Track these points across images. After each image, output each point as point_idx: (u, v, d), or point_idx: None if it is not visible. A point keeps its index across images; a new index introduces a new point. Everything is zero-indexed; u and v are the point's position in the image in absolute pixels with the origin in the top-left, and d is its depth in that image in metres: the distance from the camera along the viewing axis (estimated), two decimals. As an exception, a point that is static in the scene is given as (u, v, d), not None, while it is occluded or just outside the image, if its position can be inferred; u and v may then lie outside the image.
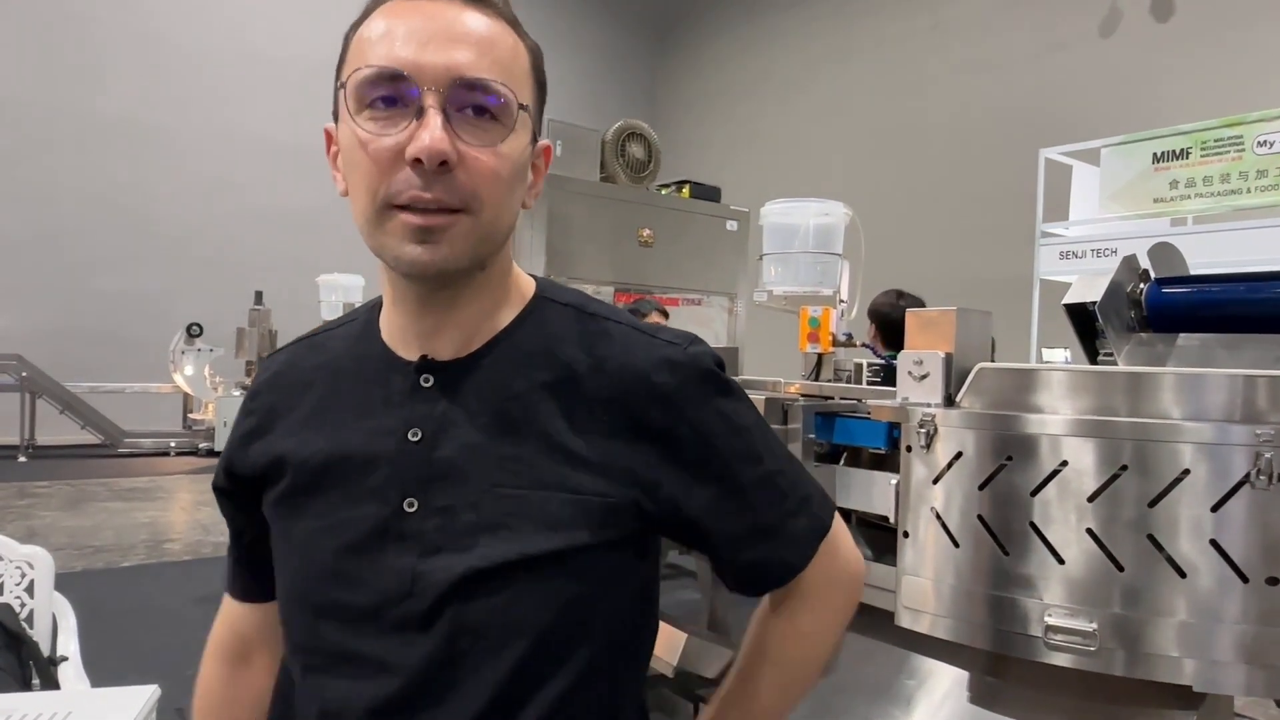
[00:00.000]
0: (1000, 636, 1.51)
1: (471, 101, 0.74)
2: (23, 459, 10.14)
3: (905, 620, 1.64)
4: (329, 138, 0.87)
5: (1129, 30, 10.22)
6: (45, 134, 11.94)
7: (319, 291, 5.02)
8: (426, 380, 0.82)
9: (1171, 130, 7.03)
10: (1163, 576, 1.39)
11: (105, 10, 12.41)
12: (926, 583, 1.61)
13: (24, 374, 10.31)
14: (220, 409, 11.04)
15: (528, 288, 0.90)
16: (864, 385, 2.14)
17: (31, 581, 2.42)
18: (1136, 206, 7.12)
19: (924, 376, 1.68)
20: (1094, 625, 1.41)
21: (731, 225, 5.43)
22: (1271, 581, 1.35)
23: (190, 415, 11.76)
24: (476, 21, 0.76)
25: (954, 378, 1.66)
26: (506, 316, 0.86)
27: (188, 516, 7.56)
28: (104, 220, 12.31)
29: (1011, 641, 1.49)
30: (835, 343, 2.24)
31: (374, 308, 0.91)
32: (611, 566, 0.82)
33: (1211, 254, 6.91)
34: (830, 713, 1.73)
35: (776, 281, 2.30)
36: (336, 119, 0.81)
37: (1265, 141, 6.42)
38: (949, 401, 1.65)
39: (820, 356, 2.24)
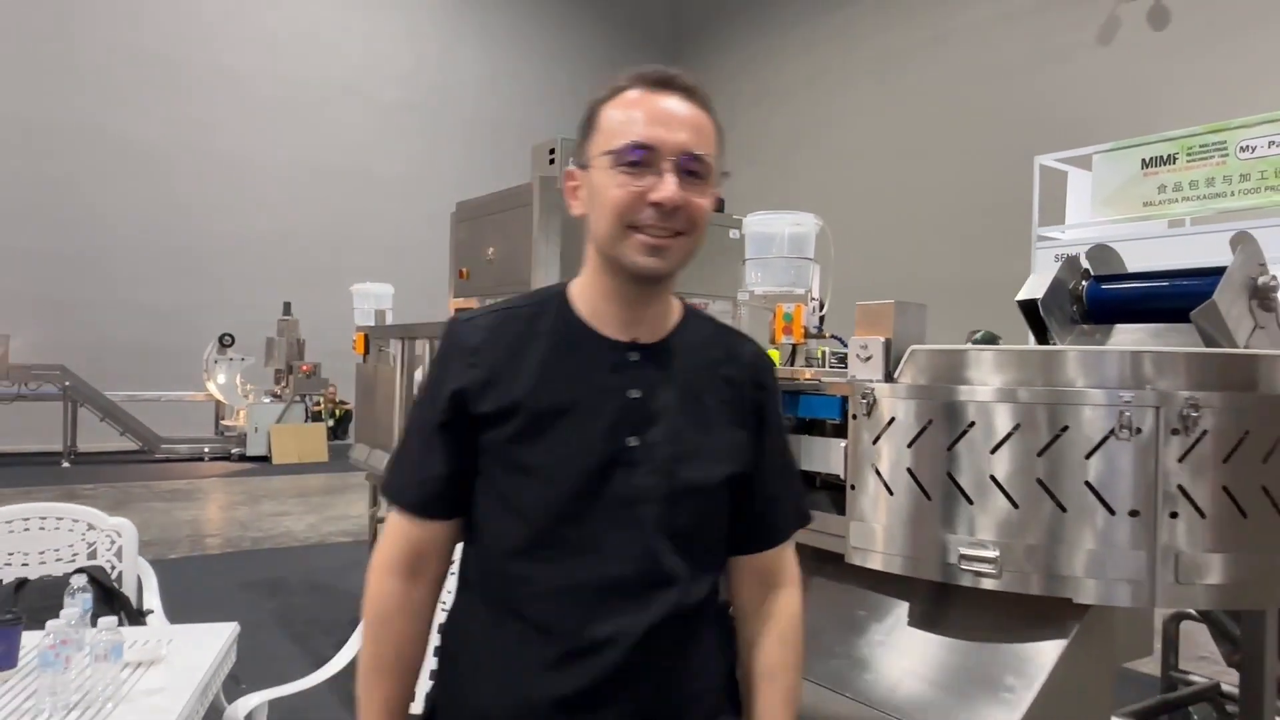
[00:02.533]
0: (927, 566, 1.86)
1: (691, 167, 1.11)
2: (66, 464, 10.63)
3: (855, 558, 1.99)
4: (571, 177, 1.19)
5: (1126, 39, 10.50)
6: (87, 160, 12.50)
7: (353, 300, 5.39)
8: (634, 355, 1.16)
9: (1159, 137, 7.33)
10: (1048, 512, 1.73)
11: (143, 41, 12.97)
12: (870, 526, 1.96)
13: (67, 384, 10.82)
14: (252, 415, 11.50)
15: (676, 301, 1.25)
16: (825, 368, 2.49)
17: (120, 548, 2.81)
18: (1127, 210, 7.41)
19: (868, 358, 2.04)
20: (996, 553, 1.76)
21: (734, 234, 5.77)
22: (1133, 514, 1.69)
23: (223, 421, 12.23)
24: (691, 111, 1.14)
25: (893, 358, 2.01)
26: (674, 319, 1.22)
27: (224, 515, 7.99)
28: (141, 239, 12.86)
29: (936, 570, 1.84)
30: (807, 334, 2.60)
31: (554, 296, 1.21)
32: (729, 493, 1.21)
33: (1206, 254, 7.19)
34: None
35: (757, 283, 2.66)
36: (581, 165, 1.16)
37: (1247, 146, 6.69)
38: (888, 378, 2.00)
39: (794, 346, 2.60)
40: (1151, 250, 6.91)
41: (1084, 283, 2.89)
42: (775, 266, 2.61)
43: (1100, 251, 2.94)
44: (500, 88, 16.24)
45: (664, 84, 1.14)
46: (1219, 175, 6.89)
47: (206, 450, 11.70)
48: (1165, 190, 7.21)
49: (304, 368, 11.93)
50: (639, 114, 1.11)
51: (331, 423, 12.60)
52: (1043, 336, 2.85)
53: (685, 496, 1.15)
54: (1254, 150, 6.67)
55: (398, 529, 1.18)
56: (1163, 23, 10.26)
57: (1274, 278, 2.47)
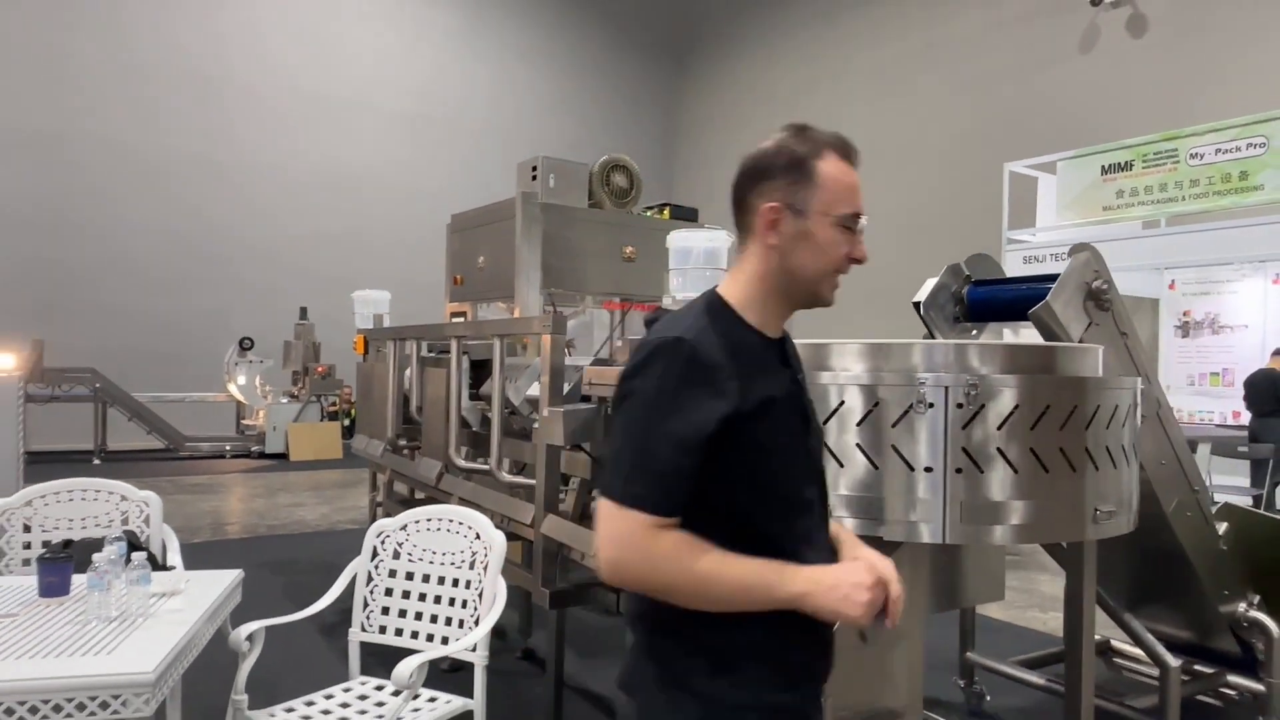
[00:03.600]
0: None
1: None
2: (97, 461, 11.27)
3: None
4: (776, 212, 1.35)
5: (1105, 47, 10.88)
6: (113, 173, 13.19)
7: (354, 305, 5.92)
8: (779, 351, 1.39)
9: (1116, 145, 7.74)
10: (865, 468, 2.21)
11: (166, 59, 13.64)
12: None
13: (97, 385, 11.47)
14: (270, 415, 12.11)
15: None
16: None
17: (147, 516, 3.35)
18: (1088, 214, 7.82)
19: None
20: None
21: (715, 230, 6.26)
22: (928, 469, 2.17)
23: (243, 421, 12.84)
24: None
25: (763, 351, 2.49)
26: None
27: (243, 505, 8.57)
28: (165, 247, 13.53)
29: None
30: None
31: (724, 310, 1.36)
32: None
33: (1181, 253, 7.57)
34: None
35: (677, 289, 3.15)
36: (794, 210, 1.34)
37: (1196, 154, 7.09)
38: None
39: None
40: (1125, 251, 7.30)
41: (966, 286, 3.37)
42: (692, 275, 3.10)
43: (979, 259, 3.41)
44: (510, 99, 16.81)
45: (854, 155, 1.39)
46: (1170, 181, 7.30)
47: (228, 448, 12.31)
48: (1123, 195, 7.62)
49: (319, 369, 12.53)
50: (853, 184, 1.37)
51: (346, 421, 13.18)
52: (931, 335, 3.32)
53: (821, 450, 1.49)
54: (1203, 157, 7.06)
55: (641, 530, 1.22)
56: (1140, 30, 10.63)
57: (1106, 283, 2.94)
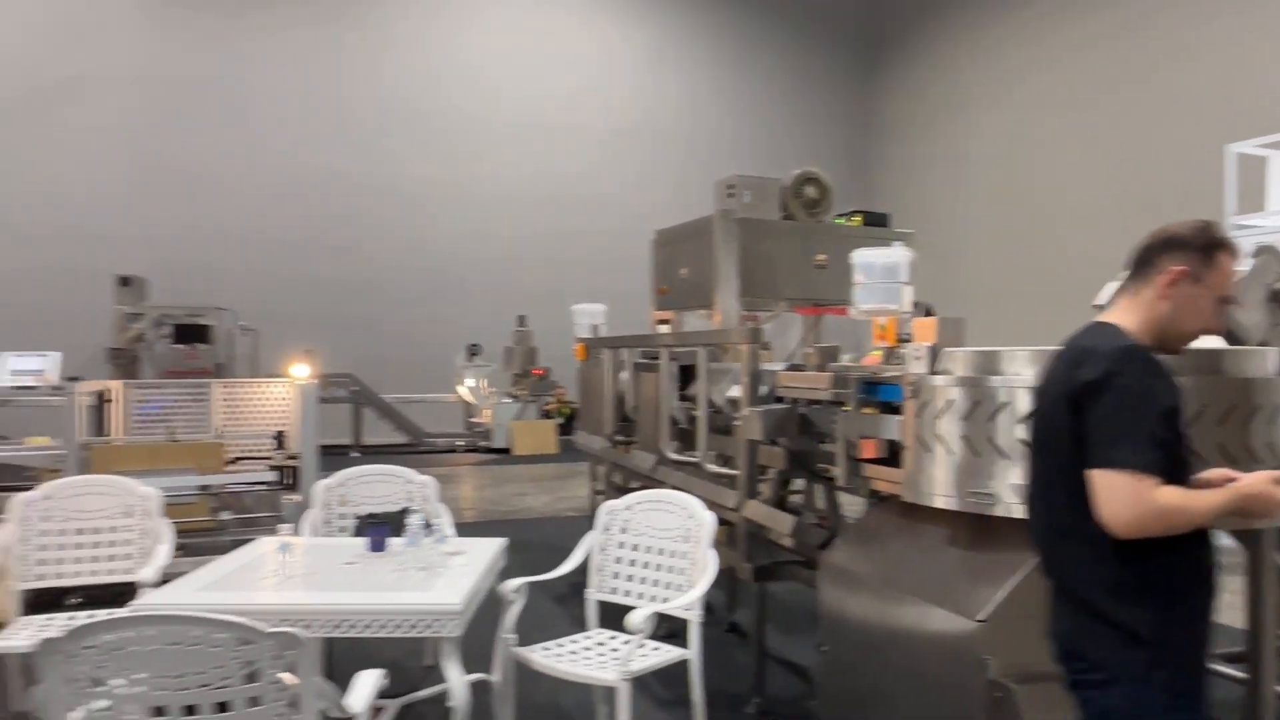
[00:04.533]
0: (958, 499, 2.68)
1: None
2: (355, 454, 13.01)
3: (907, 496, 2.85)
4: (1181, 275, 1.76)
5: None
6: (359, 201, 15.12)
7: (574, 316, 6.68)
8: None
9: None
10: (997, 460, 2.53)
11: (394, 98, 15.44)
12: (918, 473, 2.81)
13: (354, 388, 13.22)
14: (495, 414, 13.42)
15: None
16: (898, 366, 3.32)
17: (426, 494, 4.17)
18: (1327, 195, 7.22)
19: (919, 357, 2.89)
20: (993, 491, 2.57)
21: (894, 246, 6.49)
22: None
23: (471, 419, 14.29)
24: None
25: (937, 358, 2.85)
26: None
27: (477, 494, 9.70)
28: (405, 265, 15.32)
29: (965, 501, 2.66)
30: (900, 340, 3.44)
31: (1132, 340, 1.75)
32: None
33: None
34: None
35: (862, 301, 3.54)
36: (1195, 279, 1.76)
37: None
38: (933, 371, 2.84)
39: (889, 349, 3.45)
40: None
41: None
42: (874, 289, 3.47)
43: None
44: (702, 110, 17.46)
45: (1236, 255, 1.84)
46: None
47: (460, 443, 13.76)
48: (1369, 173, 6.99)
49: (536, 372, 13.72)
50: (1233, 276, 1.80)
51: (561, 420, 14.30)
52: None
53: None
54: None
55: (1151, 489, 1.61)
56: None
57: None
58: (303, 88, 15.02)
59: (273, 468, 5.87)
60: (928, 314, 3.56)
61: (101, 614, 3.01)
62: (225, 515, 5.43)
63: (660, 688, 3.90)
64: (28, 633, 3.46)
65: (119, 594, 4.74)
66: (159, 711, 1.85)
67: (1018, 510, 2.54)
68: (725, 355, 5.13)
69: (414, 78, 15.63)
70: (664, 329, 6.60)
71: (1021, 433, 2.58)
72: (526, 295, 15.23)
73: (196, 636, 1.80)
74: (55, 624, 3.56)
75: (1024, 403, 2.56)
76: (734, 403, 4.01)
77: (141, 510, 3.80)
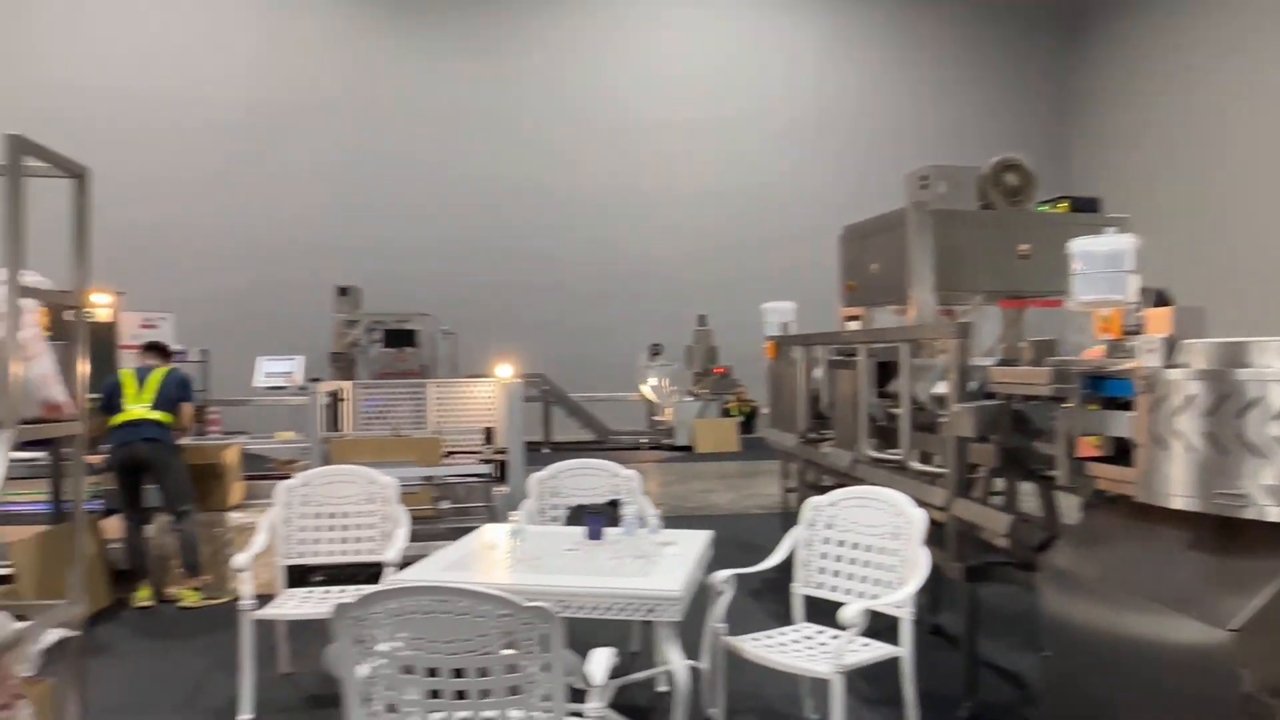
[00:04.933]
0: (1201, 500, 2.51)
1: None
2: (546, 450, 13.63)
3: (1140, 496, 2.69)
4: None
5: None
6: (548, 209, 15.84)
7: (764, 315, 6.73)
8: None
9: None
10: (1248, 459, 2.33)
11: (566, 107, 16.04)
12: (1153, 472, 2.66)
13: (545, 388, 13.86)
14: (677, 412, 13.66)
15: None
16: (1125, 359, 3.13)
17: (631, 488, 4.34)
18: None
19: (1153, 350, 2.73)
20: (1245, 491, 2.39)
21: (1109, 232, 6.08)
22: (1358, 462, 2.23)
23: (653, 417, 14.61)
24: None
25: (1172, 350, 2.69)
26: None
27: (665, 490, 9.92)
28: (591, 268, 15.90)
29: (1209, 502, 2.49)
30: (1125, 332, 3.25)
31: None
32: None
33: None
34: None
35: (1082, 292, 3.37)
36: None
37: None
38: (1169, 364, 2.68)
39: (1114, 342, 3.26)
40: None
41: None
42: (1095, 279, 3.30)
43: None
44: (884, 98, 16.98)
45: None
46: None
47: (643, 440, 14.11)
48: None
49: (717, 370, 13.84)
50: None
51: (741, 418, 14.36)
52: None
53: None
54: None
55: None
56: None
57: None
58: (493, 105, 15.94)
59: (482, 461, 6.31)
60: (1160, 303, 3.35)
61: (378, 585, 3.38)
62: (444, 504, 5.89)
63: (866, 685, 3.88)
64: (293, 603, 3.93)
65: (354, 574, 5.26)
66: (431, 672, 2.08)
67: (1274, 513, 2.36)
68: (926, 351, 5.02)
69: (595, 88, 16.20)
70: (853, 326, 6.52)
71: (1278, 430, 2.39)
72: (707, 294, 15.41)
73: (464, 607, 2.01)
74: (314, 596, 4.03)
75: (1278, 398, 2.37)
76: (939, 399, 3.92)
77: (382, 498, 4.21)
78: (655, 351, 14.47)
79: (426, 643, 2.05)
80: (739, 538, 7.17)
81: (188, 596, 5.32)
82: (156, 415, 5.21)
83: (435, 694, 2.10)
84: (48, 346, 2.68)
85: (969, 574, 3.53)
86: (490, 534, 3.62)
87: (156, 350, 5.63)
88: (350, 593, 4.07)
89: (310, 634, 4.62)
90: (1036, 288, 5.98)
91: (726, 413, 14.26)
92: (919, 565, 3.12)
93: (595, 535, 3.36)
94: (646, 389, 14.46)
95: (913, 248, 5.71)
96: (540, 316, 15.60)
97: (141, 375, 5.35)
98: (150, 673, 4.32)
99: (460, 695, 2.08)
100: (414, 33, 15.84)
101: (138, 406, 5.20)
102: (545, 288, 15.78)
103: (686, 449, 13.51)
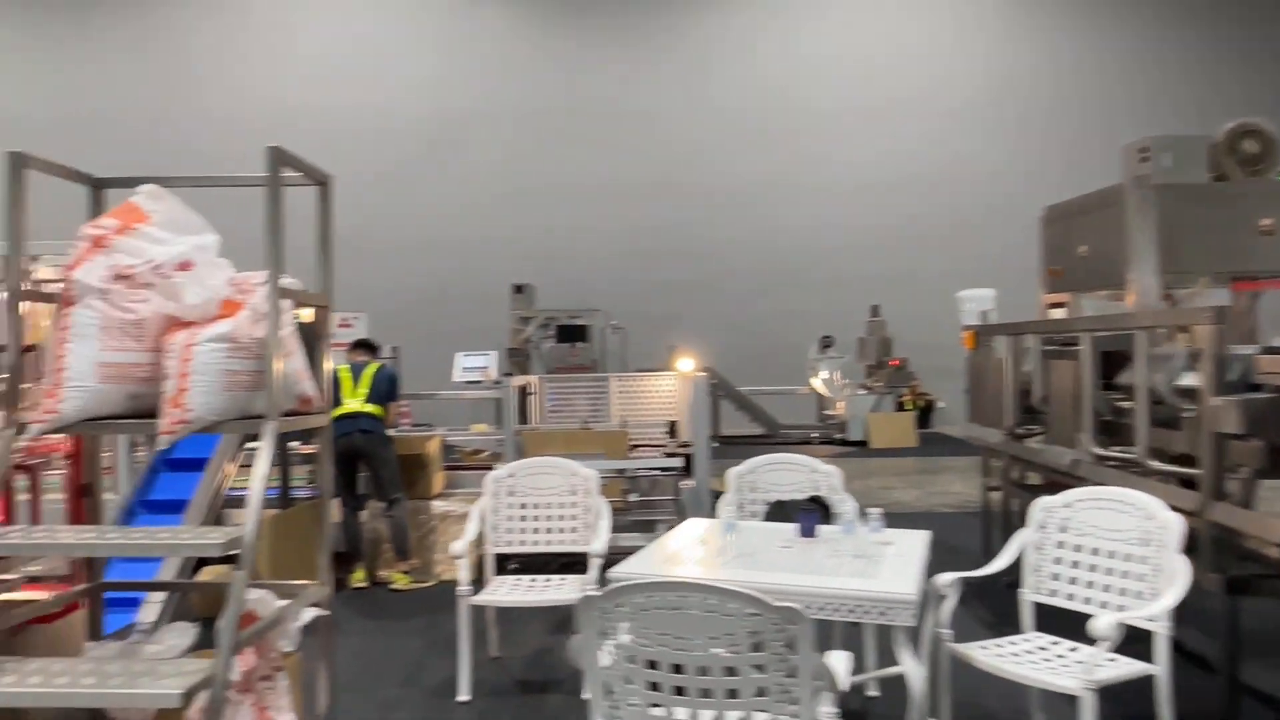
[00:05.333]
0: None
1: None
2: (715, 444, 13.57)
3: None
4: None
5: None
6: (714, 202, 15.79)
7: (960, 303, 6.37)
8: None
9: None
10: None
11: (714, 100, 15.88)
12: None
13: (713, 382, 13.82)
14: (850, 405, 13.27)
15: None
16: None
17: (831, 484, 4.21)
18: None
19: None
20: None
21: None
22: None
23: (824, 411, 14.27)
24: None
25: None
26: None
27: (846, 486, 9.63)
28: (756, 261, 15.74)
29: None
30: None
31: None
32: None
33: None
34: None
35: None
36: None
37: None
38: None
39: None
40: None
41: None
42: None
43: None
44: (1073, 67, 15.81)
45: None
46: None
47: (814, 435, 13.81)
48: None
49: (893, 362, 13.34)
50: None
51: (917, 412, 13.79)
52: None
53: None
54: None
55: None
56: None
57: None
58: (655, 103, 16.05)
59: (666, 454, 6.33)
60: None
61: (632, 577, 3.43)
62: (633, 497, 5.95)
63: (1107, 704, 3.57)
64: (504, 590, 4.07)
65: (544, 563, 5.39)
66: (676, 669, 2.05)
67: None
68: (1161, 340, 4.58)
69: (756, 79, 15.99)
70: (1058, 313, 6.07)
71: None
72: (879, 284, 14.90)
73: (712, 604, 1.97)
74: (523, 584, 4.15)
75: None
76: (1185, 392, 3.55)
77: (583, 489, 4.28)
78: (826, 344, 14.13)
79: (672, 639, 2.03)
80: (939, 538, 6.84)
81: (398, 579, 5.63)
82: (370, 408, 5.54)
83: (679, 690, 2.08)
84: (300, 344, 2.87)
85: (1230, 586, 3.17)
86: (695, 529, 3.59)
87: (365, 347, 6.00)
88: (555, 582, 4.18)
89: (516, 620, 4.80)
90: (1279, 267, 5.37)
91: (901, 406, 13.73)
92: (1176, 575, 2.83)
93: (808, 533, 3.26)
94: (817, 382, 14.14)
95: (1132, 227, 5.24)
96: (707, 310, 15.59)
97: (356, 370, 5.71)
98: (371, 651, 4.59)
99: (701, 694, 2.05)
100: (581, 38, 16.20)
101: (354, 400, 5.55)
102: (712, 281, 15.76)
103: (860, 444, 13.11)
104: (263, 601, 2.63)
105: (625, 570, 2.88)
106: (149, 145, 14.38)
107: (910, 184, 15.71)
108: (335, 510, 5.88)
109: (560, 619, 4.99)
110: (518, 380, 6.55)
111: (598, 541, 3.95)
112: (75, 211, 2.96)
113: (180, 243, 2.76)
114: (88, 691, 2.19)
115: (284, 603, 2.74)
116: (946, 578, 3.09)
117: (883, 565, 2.88)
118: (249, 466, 5.93)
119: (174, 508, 4.63)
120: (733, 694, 2.04)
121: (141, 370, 2.66)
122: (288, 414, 2.79)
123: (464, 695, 3.85)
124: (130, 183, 2.91)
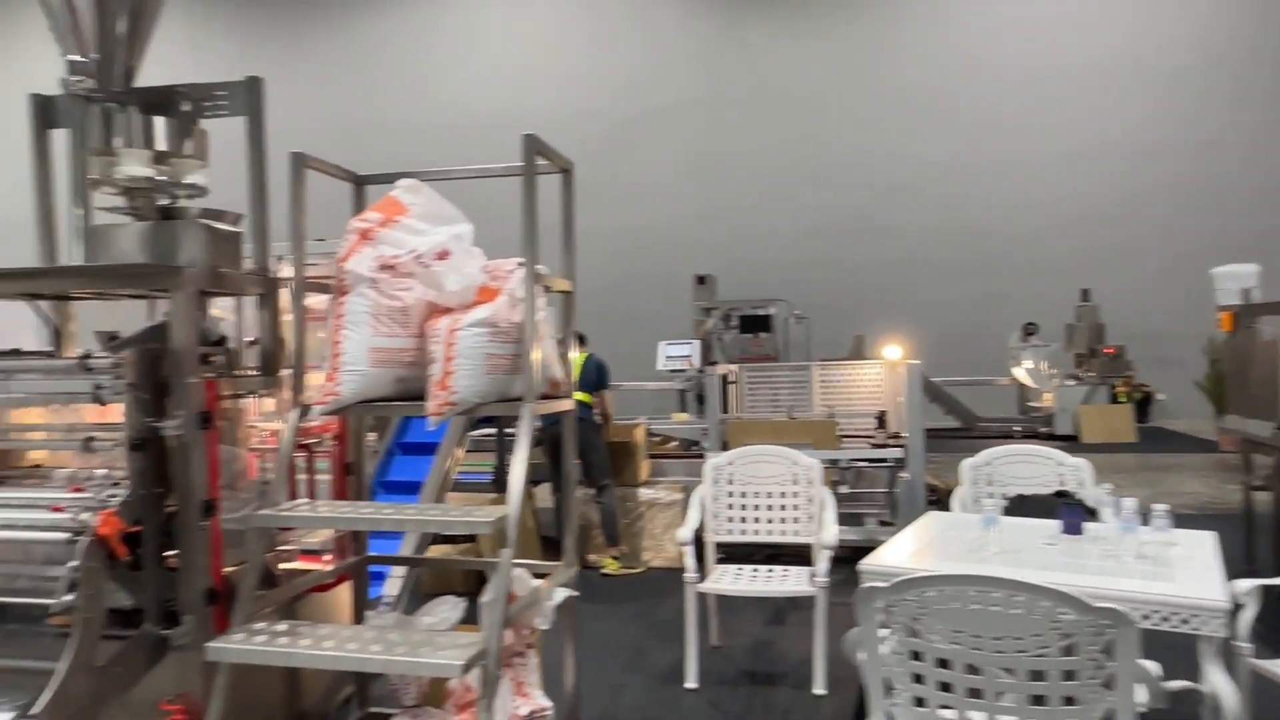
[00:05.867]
0: None
1: None
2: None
3: None
4: None
5: None
6: (898, 183, 15.13)
7: (1215, 281, 5.72)
8: None
9: None
10: None
11: (905, 79, 15.09)
12: None
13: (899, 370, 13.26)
14: (1058, 397, 12.34)
15: None
16: None
17: (1081, 479, 3.87)
18: None
19: None
20: None
21: None
22: None
23: (1027, 403, 13.34)
24: None
25: None
26: None
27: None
28: (944, 243, 14.95)
29: None
30: None
31: None
32: None
33: None
34: None
35: None
36: None
37: None
38: None
39: None
40: None
41: None
42: None
43: None
44: (1321, 16, 13.96)
45: None
46: None
47: (1016, 428, 12.95)
48: None
49: (1107, 350, 12.29)
50: None
51: (1132, 405, 12.64)
52: None
53: None
54: None
55: None
56: None
57: None
58: (837, 87, 15.54)
59: (874, 446, 6.09)
60: None
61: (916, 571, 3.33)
62: (843, 489, 5.76)
63: None
64: (727, 579, 4.02)
65: (749, 553, 5.30)
66: (972, 669, 1.90)
67: None
68: None
69: (944, 54, 15.12)
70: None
71: None
72: (1089, 266, 13.76)
73: (1018, 602, 1.81)
74: (745, 574, 4.08)
75: None
76: None
77: (805, 479, 4.16)
78: (1029, 331, 13.19)
79: (968, 636, 1.88)
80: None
81: (609, 564, 5.73)
82: (581, 396, 5.66)
83: (973, 692, 1.93)
84: (551, 329, 2.93)
85: None
86: (936, 522, 3.39)
87: (575, 336, 6.13)
88: (778, 573, 4.08)
89: (731, 609, 4.74)
90: None
91: (1114, 399, 12.61)
92: None
93: (1073, 530, 2.98)
94: (1020, 372, 13.24)
95: None
96: (893, 297, 14.97)
97: (565, 359, 5.85)
98: (591, 635, 4.67)
99: (998, 697, 1.89)
100: (761, 23, 15.96)
101: (565, 388, 5.68)
102: (898, 267, 15.09)
103: (1070, 438, 12.14)
104: (521, 580, 2.69)
105: (876, 564, 2.74)
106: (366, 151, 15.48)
107: (1119, 155, 14.40)
108: (545, 494, 6.06)
109: (776, 610, 4.90)
110: (721, 369, 6.50)
111: (826, 533, 3.83)
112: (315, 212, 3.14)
113: (438, 233, 2.87)
114: (377, 658, 2.31)
115: (538, 582, 2.81)
116: (1245, 584, 2.75)
117: (1175, 568, 2.58)
118: (471, 452, 6.22)
119: (409, 489, 4.90)
120: (1037, 700, 1.87)
121: (407, 355, 2.79)
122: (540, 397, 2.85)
123: (691, 683, 3.84)
124: (388, 179, 3.07)
